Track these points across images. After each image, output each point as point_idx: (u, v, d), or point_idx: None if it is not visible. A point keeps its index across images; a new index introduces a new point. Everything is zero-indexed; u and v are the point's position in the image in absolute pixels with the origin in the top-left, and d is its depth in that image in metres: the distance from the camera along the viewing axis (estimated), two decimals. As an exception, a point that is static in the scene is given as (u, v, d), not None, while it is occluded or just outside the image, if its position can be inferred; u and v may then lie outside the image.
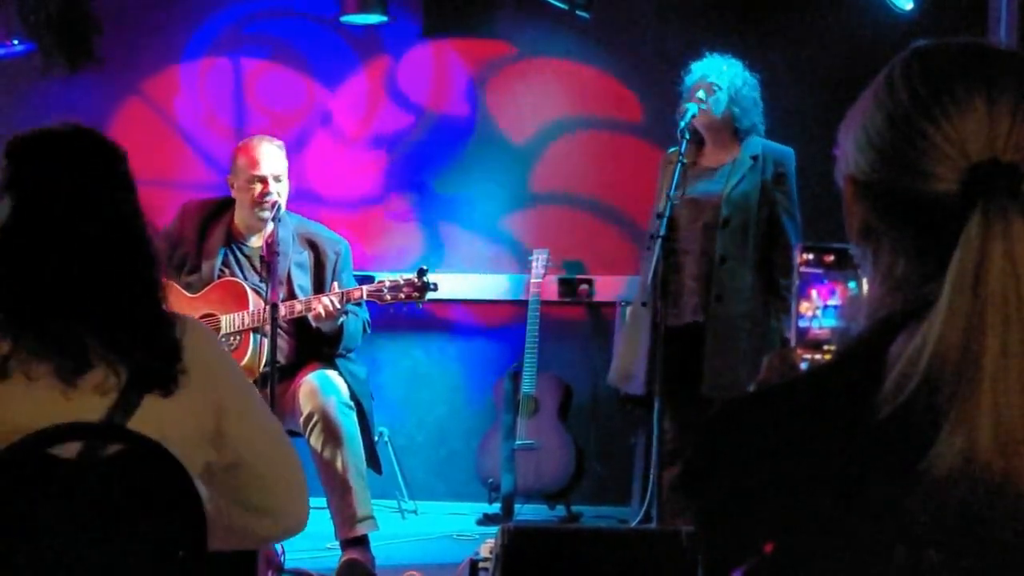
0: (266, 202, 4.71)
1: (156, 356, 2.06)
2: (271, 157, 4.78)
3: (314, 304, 4.59)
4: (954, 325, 1.09)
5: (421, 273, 4.62)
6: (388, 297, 4.60)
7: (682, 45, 6.13)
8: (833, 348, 1.43)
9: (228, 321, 4.68)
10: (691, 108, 4.93)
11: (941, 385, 1.09)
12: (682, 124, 4.87)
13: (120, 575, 2.01)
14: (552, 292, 6.20)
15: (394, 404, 6.26)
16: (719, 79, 4.94)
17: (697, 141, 5.02)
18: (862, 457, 1.12)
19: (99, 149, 2.16)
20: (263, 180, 4.74)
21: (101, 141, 2.17)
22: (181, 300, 4.72)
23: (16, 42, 6.06)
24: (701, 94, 4.92)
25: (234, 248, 4.85)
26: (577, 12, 6.06)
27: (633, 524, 5.34)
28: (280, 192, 4.74)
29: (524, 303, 5.98)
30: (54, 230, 2.07)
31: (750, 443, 1.18)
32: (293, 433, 4.72)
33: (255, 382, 4.62)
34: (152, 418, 2.03)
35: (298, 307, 4.61)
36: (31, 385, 1.99)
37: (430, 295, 4.66)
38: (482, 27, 6.35)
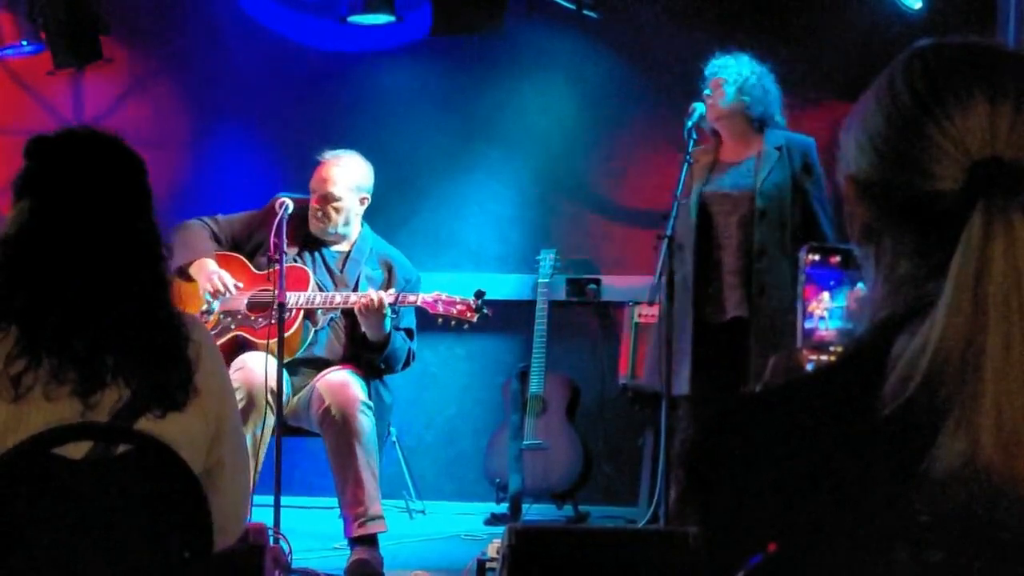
0: (315, 217, 4.89)
1: (170, 375, 2.05)
2: (321, 178, 4.95)
3: (352, 297, 4.70)
4: (955, 324, 1.08)
5: (479, 295, 4.72)
6: (441, 309, 4.69)
7: (688, 46, 6.13)
8: (839, 350, 1.43)
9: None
10: (699, 108, 4.96)
11: (942, 385, 1.08)
12: (689, 124, 4.89)
13: (125, 575, 2.01)
14: (560, 292, 6.20)
15: (403, 404, 6.25)
16: (725, 73, 4.95)
17: (716, 139, 5.04)
18: (864, 457, 1.11)
19: (122, 158, 2.14)
20: (315, 197, 4.92)
21: (124, 150, 2.15)
22: (246, 273, 4.89)
23: (25, 43, 6.07)
24: (707, 91, 4.95)
25: (309, 247, 4.98)
26: (584, 12, 6.06)
27: (641, 524, 5.34)
28: (337, 208, 4.90)
29: (532, 303, 5.98)
30: (72, 240, 2.04)
31: (752, 443, 1.18)
32: (309, 433, 4.78)
33: (291, 363, 4.72)
34: (161, 424, 2.03)
35: (338, 299, 4.72)
36: (51, 405, 1.98)
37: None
38: (489, 27, 6.34)
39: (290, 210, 4.71)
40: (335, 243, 4.99)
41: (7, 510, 1.94)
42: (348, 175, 4.96)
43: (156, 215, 2.15)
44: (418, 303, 4.70)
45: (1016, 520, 1.07)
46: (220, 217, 5.02)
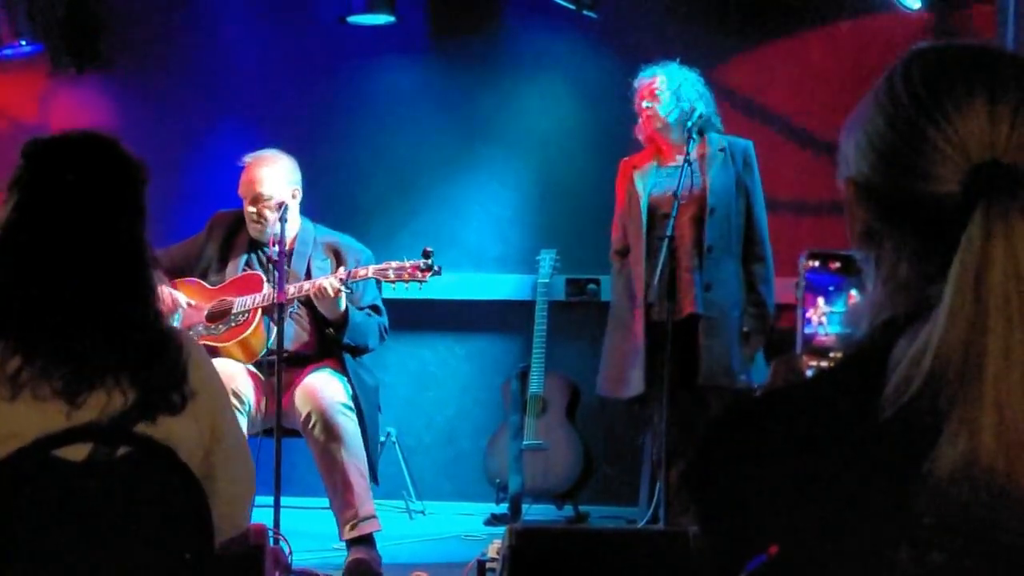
0: (252, 221, 4.87)
1: (164, 380, 2.05)
2: (248, 180, 4.92)
3: (306, 285, 4.67)
4: (956, 327, 1.09)
5: (427, 255, 4.70)
6: (392, 276, 4.69)
7: (689, 46, 6.13)
8: (838, 355, 1.43)
9: (241, 302, 4.79)
10: (699, 108, 4.98)
11: (943, 387, 1.08)
12: (688, 124, 4.94)
13: (126, 576, 2.01)
14: (560, 292, 6.20)
15: (402, 404, 6.26)
16: (658, 82, 5.02)
17: (656, 146, 5.12)
18: (865, 459, 1.12)
19: (118, 166, 2.13)
20: (246, 202, 4.89)
21: (121, 157, 2.14)
22: (203, 291, 4.90)
23: (24, 43, 6.07)
24: (646, 103, 5.02)
25: (258, 252, 4.98)
26: (584, 12, 6.06)
27: (641, 524, 5.34)
28: (270, 207, 4.83)
29: (532, 303, 5.98)
30: (59, 241, 2.04)
31: (754, 445, 1.18)
32: (293, 432, 4.78)
33: (257, 364, 4.73)
34: (159, 428, 2.03)
35: (291, 291, 4.67)
36: (38, 404, 1.98)
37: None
38: (489, 27, 6.35)
39: (290, 211, 4.72)
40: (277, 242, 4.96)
41: (9, 513, 1.94)
42: (275, 173, 4.92)
43: (146, 221, 2.14)
44: (369, 275, 4.70)
45: (1017, 521, 1.08)
46: (157, 251, 4.98)
